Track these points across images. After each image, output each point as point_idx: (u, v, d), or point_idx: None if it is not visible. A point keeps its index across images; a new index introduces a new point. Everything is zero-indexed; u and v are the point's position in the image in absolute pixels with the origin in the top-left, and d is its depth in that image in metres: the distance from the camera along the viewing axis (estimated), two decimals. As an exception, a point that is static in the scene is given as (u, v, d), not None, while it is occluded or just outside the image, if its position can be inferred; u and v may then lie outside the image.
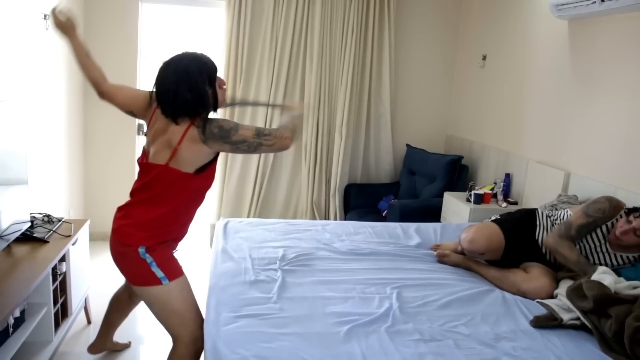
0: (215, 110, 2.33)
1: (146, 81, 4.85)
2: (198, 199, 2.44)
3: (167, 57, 2.26)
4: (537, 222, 2.93)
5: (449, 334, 2.17)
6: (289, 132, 2.36)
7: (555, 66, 3.75)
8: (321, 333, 2.09)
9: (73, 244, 3.10)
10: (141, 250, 2.27)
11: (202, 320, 2.35)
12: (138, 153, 4.83)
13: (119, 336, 3.18)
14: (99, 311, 3.27)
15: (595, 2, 3.03)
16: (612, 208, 2.70)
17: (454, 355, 2.01)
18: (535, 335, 2.21)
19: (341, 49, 4.94)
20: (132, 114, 2.50)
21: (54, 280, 2.88)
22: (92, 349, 3.07)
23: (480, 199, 3.94)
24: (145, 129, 2.47)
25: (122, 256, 2.33)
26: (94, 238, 4.19)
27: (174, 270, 2.36)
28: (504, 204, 3.96)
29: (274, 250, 2.91)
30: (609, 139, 3.21)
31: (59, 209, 4.22)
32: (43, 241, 2.94)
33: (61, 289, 3.03)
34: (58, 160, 4.21)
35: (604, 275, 2.42)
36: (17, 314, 2.55)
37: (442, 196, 4.37)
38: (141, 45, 4.83)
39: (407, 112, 5.38)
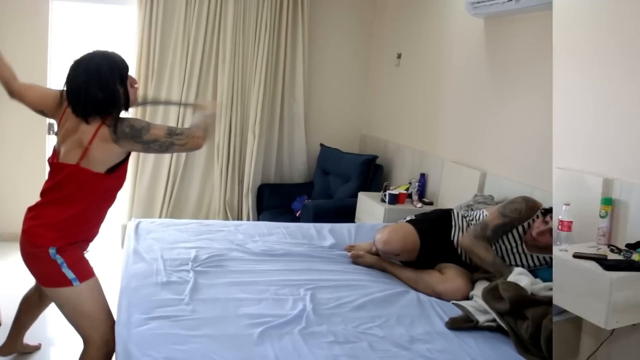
0: (126, 109, 2.35)
1: (57, 80, 4.68)
2: (109, 199, 2.47)
3: (78, 56, 2.27)
4: (453, 223, 2.93)
5: (364, 335, 2.17)
6: (201, 131, 2.42)
7: (471, 65, 3.76)
8: (234, 335, 2.09)
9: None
10: (52, 251, 2.27)
11: (113, 322, 2.37)
12: (49, 152, 4.56)
13: (29, 338, 3.10)
14: (9, 313, 3.16)
15: (511, 0, 3.04)
16: (528, 208, 2.72)
17: (368, 357, 2.02)
18: (451, 337, 2.22)
19: (254, 47, 4.94)
20: (43, 113, 2.49)
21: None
22: (2, 350, 2.99)
23: (395, 199, 3.92)
24: (55, 128, 2.47)
25: (33, 257, 2.33)
26: (3, 239, 4.14)
27: (85, 272, 2.37)
28: (419, 204, 3.96)
29: (186, 251, 2.89)
30: (525, 138, 3.23)
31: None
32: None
33: (-33, 292, 2.78)
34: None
35: (520, 277, 2.44)
36: None
37: (356, 196, 4.35)
38: (52, 43, 4.72)
39: (321, 111, 5.36)
